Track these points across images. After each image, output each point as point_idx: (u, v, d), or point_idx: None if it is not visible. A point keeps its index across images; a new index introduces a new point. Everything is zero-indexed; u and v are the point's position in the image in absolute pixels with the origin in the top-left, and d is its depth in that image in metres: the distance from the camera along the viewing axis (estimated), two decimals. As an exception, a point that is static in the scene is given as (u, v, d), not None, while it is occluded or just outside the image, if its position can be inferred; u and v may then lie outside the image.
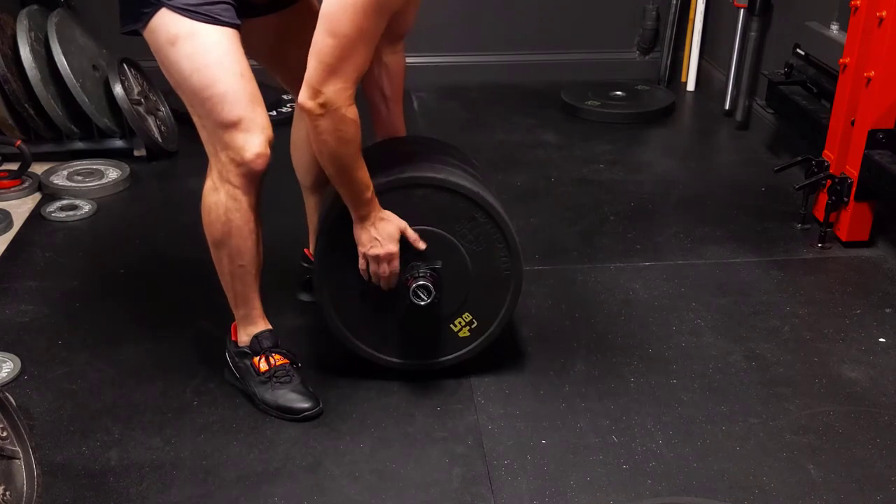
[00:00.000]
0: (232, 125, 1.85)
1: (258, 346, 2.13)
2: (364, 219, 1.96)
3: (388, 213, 1.98)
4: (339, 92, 1.78)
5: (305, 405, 2.09)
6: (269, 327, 2.16)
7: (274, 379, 2.10)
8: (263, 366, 2.11)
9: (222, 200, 1.93)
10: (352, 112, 1.82)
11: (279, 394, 2.09)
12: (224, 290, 2.10)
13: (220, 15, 1.83)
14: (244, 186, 1.91)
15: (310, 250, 2.49)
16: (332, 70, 1.76)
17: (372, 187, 1.94)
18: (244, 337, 2.15)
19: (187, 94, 1.87)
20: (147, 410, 2.12)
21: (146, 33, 1.86)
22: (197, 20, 1.80)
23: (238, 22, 1.86)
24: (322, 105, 1.79)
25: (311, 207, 2.41)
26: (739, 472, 1.93)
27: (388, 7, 1.76)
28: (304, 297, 2.52)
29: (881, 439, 2.03)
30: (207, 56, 1.81)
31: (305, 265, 2.50)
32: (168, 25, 1.81)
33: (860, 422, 2.08)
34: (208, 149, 1.93)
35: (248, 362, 2.13)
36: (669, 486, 1.89)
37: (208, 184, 1.96)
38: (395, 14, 1.86)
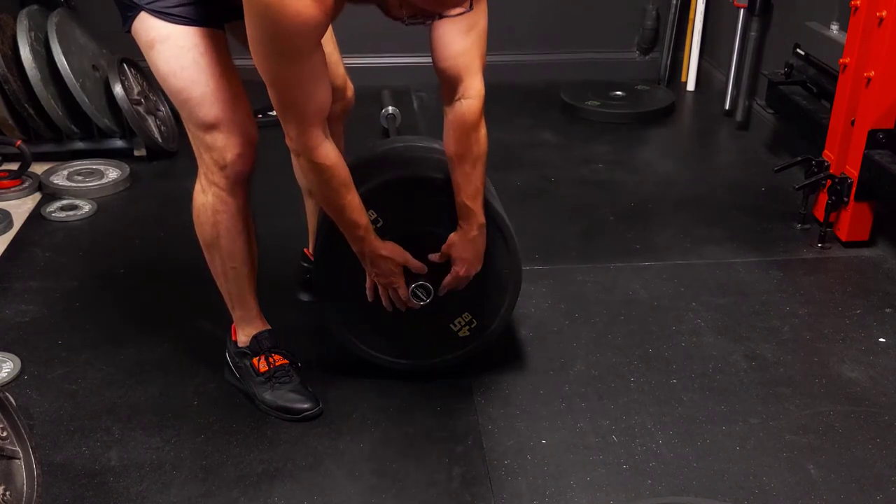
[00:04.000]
0: (211, 127, 1.84)
1: (258, 346, 2.13)
2: (361, 255, 1.96)
3: (387, 249, 1.95)
4: (298, 137, 1.75)
5: (305, 405, 2.09)
6: (268, 327, 2.16)
7: (274, 379, 2.10)
8: (263, 366, 2.12)
9: (210, 202, 1.94)
10: (319, 156, 1.77)
11: (279, 394, 2.09)
12: (221, 292, 2.11)
13: (195, 16, 1.80)
14: (230, 188, 1.91)
15: (309, 250, 2.49)
16: (283, 116, 1.74)
17: (366, 225, 1.90)
18: (243, 337, 2.15)
19: (170, 96, 1.87)
20: (147, 410, 2.12)
21: (133, 35, 1.86)
22: (173, 22, 1.79)
23: (217, 21, 1.85)
24: (293, 147, 1.79)
25: (311, 209, 2.41)
26: (739, 472, 1.93)
27: (297, 51, 1.64)
28: (305, 297, 2.52)
29: (881, 439, 2.03)
30: (183, 59, 1.80)
31: (305, 265, 2.51)
32: (147, 29, 1.81)
33: (860, 422, 2.08)
34: (195, 151, 1.93)
35: (247, 363, 2.13)
36: (669, 486, 1.89)
37: (197, 186, 1.96)
38: (437, 47, 1.83)
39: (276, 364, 2.12)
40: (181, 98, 1.84)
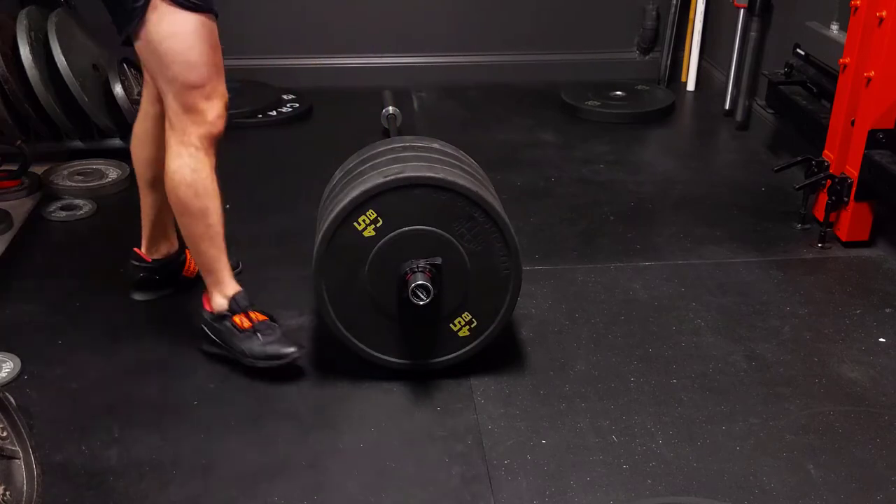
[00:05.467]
0: (201, 88, 2.02)
1: (236, 305, 2.23)
2: None
3: None
4: None
5: (291, 349, 2.20)
6: (241, 289, 2.25)
7: (258, 333, 2.21)
8: (245, 323, 2.21)
9: (186, 163, 2.08)
10: None
11: (265, 344, 2.20)
12: (194, 258, 2.24)
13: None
14: (206, 148, 2.08)
15: (141, 250, 2.52)
16: None
17: None
18: (220, 300, 2.24)
19: (161, 56, 2.00)
20: (147, 409, 2.12)
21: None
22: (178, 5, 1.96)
23: (215, 9, 2.03)
24: None
25: (147, 205, 2.45)
26: (739, 472, 1.93)
27: None
28: (139, 297, 2.55)
29: (881, 439, 2.03)
30: (187, 26, 1.97)
31: (137, 264, 2.53)
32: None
33: (860, 422, 2.08)
34: (171, 116, 2.06)
35: (228, 323, 2.23)
36: (669, 486, 1.89)
37: (170, 153, 2.10)
38: None
39: (258, 320, 2.23)
40: (179, 59, 1.99)
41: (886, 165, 2.60)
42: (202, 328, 2.27)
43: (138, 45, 2.04)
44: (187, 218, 2.15)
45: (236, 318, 2.21)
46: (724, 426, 2.07)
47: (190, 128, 2.06)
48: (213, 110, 2.06)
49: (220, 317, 2.23)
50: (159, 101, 2.20)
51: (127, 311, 2.51)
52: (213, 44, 2.03)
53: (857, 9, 2.67)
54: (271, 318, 2.26)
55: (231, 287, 2.24)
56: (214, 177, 2.12)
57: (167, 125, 2.10)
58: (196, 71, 2.01)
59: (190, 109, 2.04)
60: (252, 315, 2.22)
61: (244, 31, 4.11)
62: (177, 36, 1.98)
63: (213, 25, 2.04)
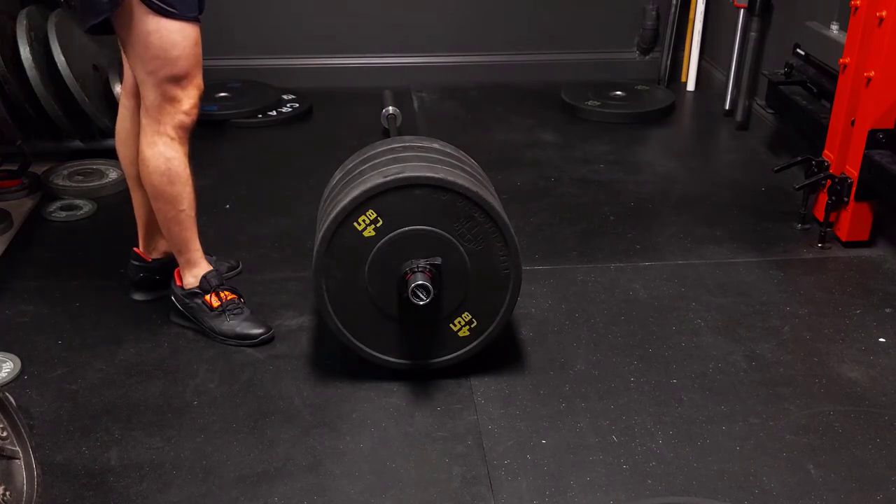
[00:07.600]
0: (181, 80, 2.10)
1: (207, 284, 2.34)
2: None
3: None
4: None
5: (260, 330, 2.32)
6: (212, 268, 2.37)
7: (227, 312, 2.33)
8: (215, 301, 2.33)
9: (161, 151, 2.16)
10: None
11: (234, 323, 2.32)
12: (167, 239, 2.32)
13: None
14: (180, 137, 2.17)
15: (140, 249, 2.52)
16: None
17: None
18: (191, 279, 2.35)
19: (141, 50, 2.06)
20: (147, 410, 2.12)
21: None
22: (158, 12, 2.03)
23: (197, 17, 2.10)
24: None
25: (139, 203, 2.45)
26: (739, 472, 1.93)
27: None
28: (139, 297, 2.55)
29: (881, 439, 2.03)
30: (167, 27, 2.04)
31: (137, 263, 2.52)
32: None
33: (860, 422, 2.08)
34: (148, 105, 2.13)
35: (199, 301, 2.34)
36: (669, 486, 1.89)
37: (143, 142, 2.18)
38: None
39: (227, 298, 2.34)
40: (159, 55, 2.05)
41: (886, 165, 2.60)
42: (172, 301, 2.39)
43: (119, 36, 2.09)
44: (161, 202, 2.23)
45: (207, 297, 2.33)
46: (724, 426, 2.07)
47: (166, 117, 2.13)
48: (190, 100, 2.14)
49: (192, 294, 2.34)
50: (135, 95, 2.25)
51: (127, 311, 2.51)
52: (194, 40, 2.09)
53: (857, 9, 2.67)
54: (240, 296, 2.36)
55: (202, 267, 2.35)
56: (187, 164, 2.20)
57: (142, 112, 2.17)
58: (176, 65, 2.08)
59: (167, 99, 2.12)
60: (222, 294, 2.34)
61: (245, 31, 4.11)
62: (159, 33, 2.04)
63: (196, 26, 2.09)
